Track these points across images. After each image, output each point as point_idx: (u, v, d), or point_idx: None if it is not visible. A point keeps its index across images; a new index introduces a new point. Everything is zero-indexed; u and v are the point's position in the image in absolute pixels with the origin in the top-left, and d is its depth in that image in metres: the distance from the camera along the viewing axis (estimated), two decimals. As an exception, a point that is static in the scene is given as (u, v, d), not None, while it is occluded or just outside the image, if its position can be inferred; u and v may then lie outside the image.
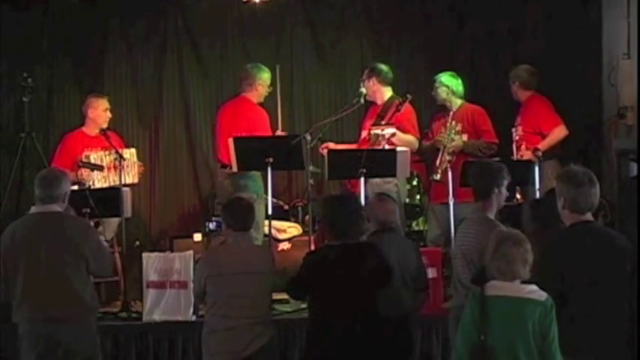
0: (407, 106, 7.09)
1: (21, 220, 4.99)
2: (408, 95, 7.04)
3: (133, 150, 7.64)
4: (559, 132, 7.37)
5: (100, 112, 7.62)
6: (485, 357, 3.91)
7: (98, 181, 7.31)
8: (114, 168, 7.29)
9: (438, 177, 7.15)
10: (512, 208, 7.19)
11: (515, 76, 7.62)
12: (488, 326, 3.91)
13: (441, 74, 7.53)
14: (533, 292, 3.97)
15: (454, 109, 7.43)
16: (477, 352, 3.92)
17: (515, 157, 7.24)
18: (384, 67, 7.46)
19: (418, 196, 8.06)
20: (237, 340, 5.02)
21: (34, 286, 4.75)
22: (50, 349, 4.73)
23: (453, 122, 7.33)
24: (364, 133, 7.34)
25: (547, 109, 7.46)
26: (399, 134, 7.06)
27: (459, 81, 7.49)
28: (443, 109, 7.52)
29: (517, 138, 7.35)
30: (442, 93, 7.48)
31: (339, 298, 4.67)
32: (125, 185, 7.13)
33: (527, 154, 7.17)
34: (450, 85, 7.46)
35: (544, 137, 7.33)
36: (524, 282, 4.00)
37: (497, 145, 7.38)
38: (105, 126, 7.58)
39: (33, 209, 4.91)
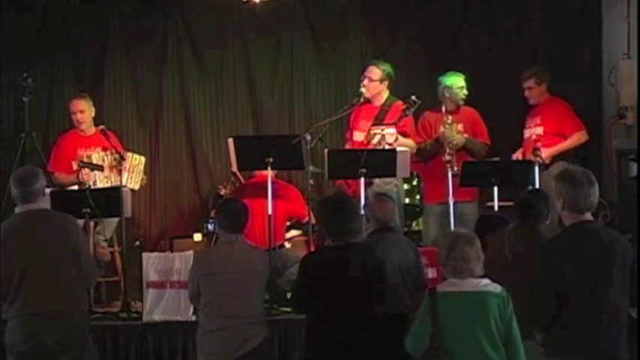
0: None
1: (11, 220, 4.94)
2: (418, 100, 6.85)
3: (143, 158, 7.59)
4: (579, 137, 7.34)
5: (72, 113, 7.58)
6: (444, 353, 4.02)
7: (100, 181, 7.29)
8: (115, 168, 7.26)
9: (455, 169, 6.94)
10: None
11: (540, 77, 7.48)
12: (448, 323, 4.02)
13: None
14: (488, 285, 4.11)
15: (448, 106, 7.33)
16: (436, 349, 4.03)
17: (530, 159, 7.08)
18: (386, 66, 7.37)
19: (418, 196, 8.04)
20: (230, 340, 5.02)
21: (30, 282, 4.74)
22: (41, 345, 4.72)
23: (450, 118, 7.26)
24: (360, 135, 7.19)
25: (570, 111, 7.43)
26: (401, 139, 6.98)
27: (455, 78, 7.34)
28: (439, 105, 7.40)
29: (534, 138, 7.24)
30: (438, 91, 7.43)
31: (338, 299, 4.67)
32: (125, 187, 7.12)
33: (546, 153, 7.10)
34: (442, 82, 7.36)
35: (567, 139, 7.31)
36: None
37: (490, 147, 7.35)
38: (82, 127, 7.54)
39: (18, 209, 4.87)
